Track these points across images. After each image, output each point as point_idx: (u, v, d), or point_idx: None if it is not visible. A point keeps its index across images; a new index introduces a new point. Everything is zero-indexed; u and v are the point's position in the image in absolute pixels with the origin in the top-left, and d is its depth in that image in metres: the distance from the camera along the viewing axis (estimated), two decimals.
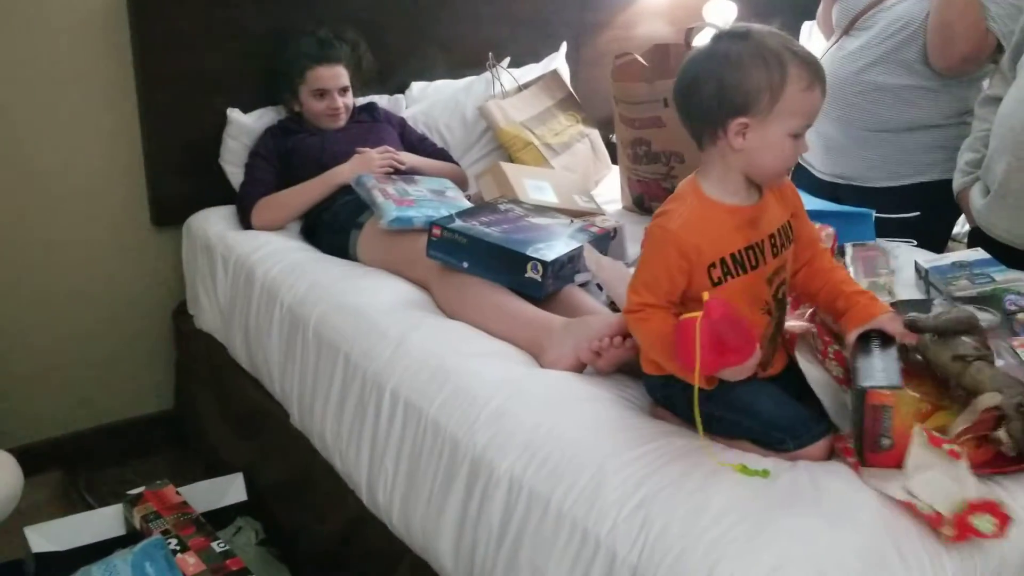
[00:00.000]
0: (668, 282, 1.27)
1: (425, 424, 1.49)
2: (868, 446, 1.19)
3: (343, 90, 2.35)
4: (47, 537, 1.83)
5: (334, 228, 2.18)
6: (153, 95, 2.30)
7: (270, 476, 2.03)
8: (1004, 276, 1.67)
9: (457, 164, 2.52)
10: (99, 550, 1.85)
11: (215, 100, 2.37)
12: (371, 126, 2.44)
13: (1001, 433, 1.18)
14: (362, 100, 2.49)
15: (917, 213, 2.10)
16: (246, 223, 2.27)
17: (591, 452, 1.27)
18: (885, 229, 1.99)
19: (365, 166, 2.24)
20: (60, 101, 2.23)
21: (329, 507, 1.78)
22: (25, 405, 2.33)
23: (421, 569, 1.50)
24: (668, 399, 1.37)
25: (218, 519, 1.97)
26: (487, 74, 2.66)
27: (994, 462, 1.20)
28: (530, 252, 1.73)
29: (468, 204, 2.10)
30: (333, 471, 1.77)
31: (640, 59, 2.24)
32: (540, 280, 1.71)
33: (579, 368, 1.55)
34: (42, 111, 2.20)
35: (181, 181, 2.39)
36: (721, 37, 1.28)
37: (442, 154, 2.52)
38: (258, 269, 2.07)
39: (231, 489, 2.02)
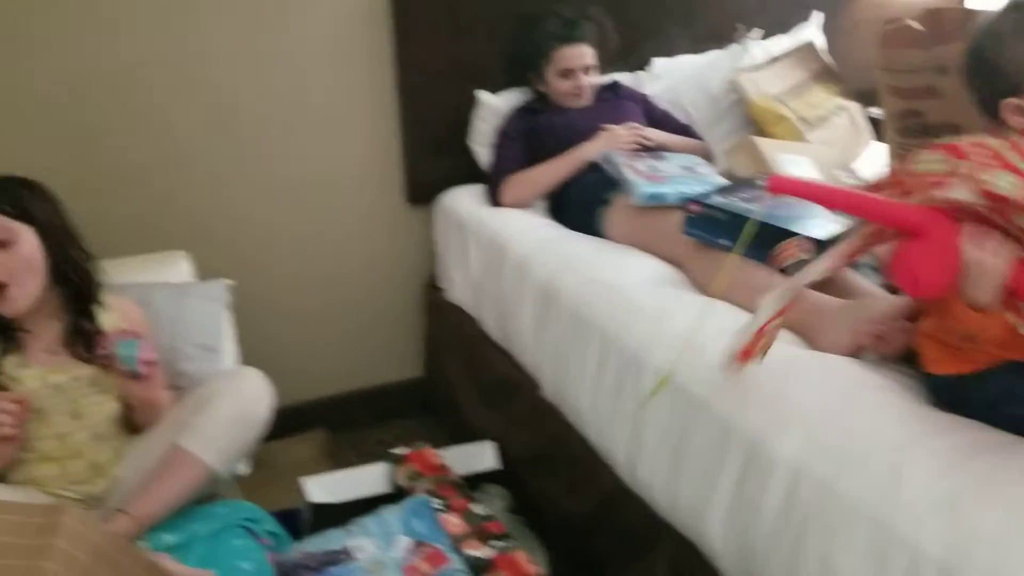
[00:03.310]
0: None
1: (692, 402, 1.47)
2: None
3: (587, 69, 2.36)
4: (322, 488, 1.97)
5: (581, 205, 2.19)
6: (409, 81, 2.41)
7: (519, 446, 2.08)
8: None
9: (702, 140, 2.46)
10: (366, 504, 1.97)
11: (466, 83, 2.45)
12: (615, 104, 2.44)
13: None
14: (605, 78, 2.49)
15: None
16: (495, 201, 2.33)
17: (883, 440, 1.20)
18: None
19: (612, 142, 2.24)
20: (325, 88, 2.37)
21: (582, 480, 1.81)
22: (295, 368, 2.52)
23: (685, 547, 1.48)
24: (959, 401, 1.25)
25: (467, 484, 2.05)
26: (733, 48, 2.58)
27: None
28: (797, 229, 1.66)
29: (721, 180, 2.04)
30: (587, 444, 1.79)
31: (914, 24, 2.08)
32: (809, 259, 1.64)
33: (856, 353, 1.47)
34: (308, 97, 2.35)
35: (434, 162, 2.50)
36: (1007, 6, 1.18)
37: (686, 130, 2.48)
38: (509, 245, 2.12)
39: (483, 456, 2.09)
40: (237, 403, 1.60)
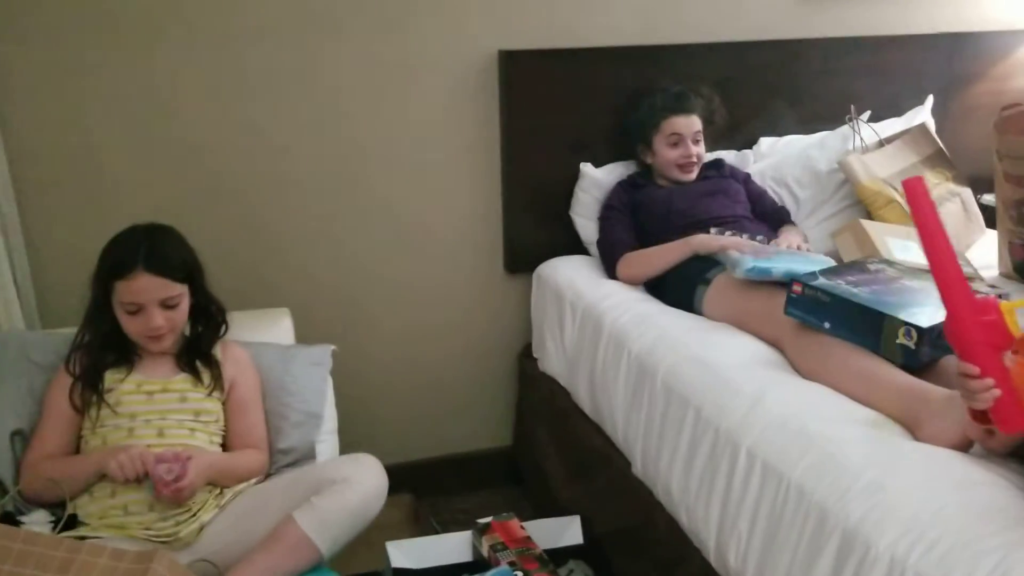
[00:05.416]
0: None
1: (787, 488, 1.41)
2: None
3: (696, 139, 2.36)
4: (405, 553, 1.97)
5: (680, 281, 2.17)
6: (514, 150, 2.45)
7: (606, 522, 2.04)
8: None
9: (795, 224, 2.41)
10: (448, 572, 1.96)
11: (569, 155, 2.48)
12: (718, 182, 2.42)
13: None
14: (710, 156, 2.49)
15: None
16: (611, 274, 2.33)
17: (991, 541, 1.13)
18: None
19: (731, 246, 2.11)
20: (430, 156, 2.42)
21: (670, 561, 1.75)
22: (383, 430, 2.55)
23: None
24: None
25: (551, 559, 2.01)
26: (842, 128, 2.55)
27: None
28: (904, 316, 1.60)
29: (830, 261, 1.99)
30: (676, 525, 1.74)
31: None
32: (914, 347, 1.58)
33: (963, 446, 1.40)
34: (413, 165, 2.41)
35: (533, 231, 2.53)
36: None
37: (780, 212, 2.44)
38: (606, 317, 2.12)
39: (568, 531, 2.06)
40: (361, 496, 1.63)
